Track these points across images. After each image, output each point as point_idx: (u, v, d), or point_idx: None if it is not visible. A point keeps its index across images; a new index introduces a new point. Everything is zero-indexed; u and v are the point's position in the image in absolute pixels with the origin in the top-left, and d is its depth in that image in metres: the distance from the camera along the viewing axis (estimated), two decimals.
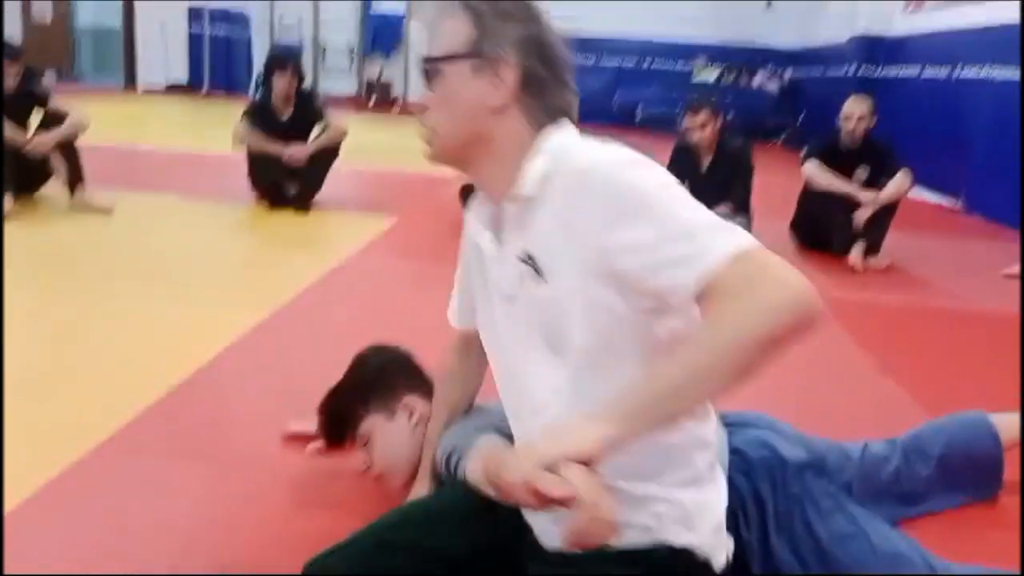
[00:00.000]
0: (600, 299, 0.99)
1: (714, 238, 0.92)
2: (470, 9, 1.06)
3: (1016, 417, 1.76)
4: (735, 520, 1.31)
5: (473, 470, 1.30)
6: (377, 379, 1.55)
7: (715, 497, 1.11)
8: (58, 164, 4.06)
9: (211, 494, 1.65)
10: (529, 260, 1.03)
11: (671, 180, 0.98)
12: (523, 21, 1.05)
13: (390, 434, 1.53)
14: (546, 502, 0.84)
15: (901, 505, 1.63)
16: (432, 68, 1.07)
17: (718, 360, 0.88)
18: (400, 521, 1.22)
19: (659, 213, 0.94)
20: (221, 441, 1.87)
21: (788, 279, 0.89)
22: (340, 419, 1.57)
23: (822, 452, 1.54)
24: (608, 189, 0.96)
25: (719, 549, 1.09)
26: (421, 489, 1.49)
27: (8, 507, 1.51)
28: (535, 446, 0.88)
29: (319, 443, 1.79)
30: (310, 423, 1.77)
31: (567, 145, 1.04)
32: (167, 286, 3.06)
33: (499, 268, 1.10)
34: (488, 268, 1.14)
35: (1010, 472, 1.76)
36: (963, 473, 1.69)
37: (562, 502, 0.83)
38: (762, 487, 1.39)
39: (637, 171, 0.98)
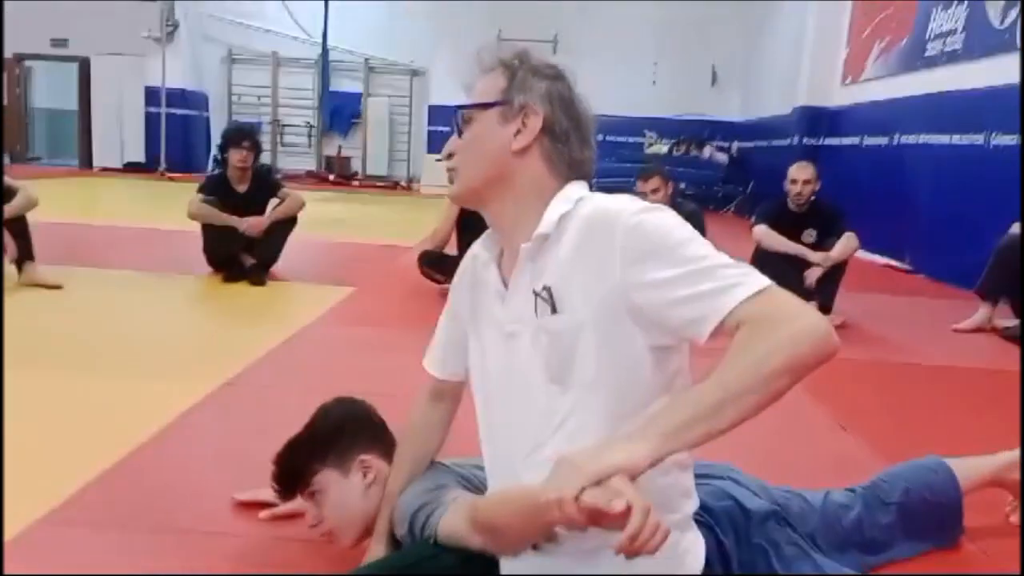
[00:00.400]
0: (615, 335, 1.07)
1: (736, 275, 1.01)
2: (506, 65, 1.18)
3: (974, 460, 1.78)
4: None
5: (450, 524, 1.27)
6: (335, 435, 1.52)
7: (699, 543, 1.21)
8: (7, 240, 3.98)
9: (156, 566, 1.57)
10: (545, 292, 1.11)
11: (686, 224, 1.07)
12: (552, 79, 1.17)
13: (344, 492, 1.49)
14: (599, 521, 0.88)
15: (865, 554, 1.61)
16: (464, 116, 1.18)
17: (749, 385, 0.95)
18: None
19: (681, 253, 1.03)
20: (168, 512, 1.79)
21: (807, 313, 1.00)
22: (294, 471, 1.52)
23: (785, 501, 1.52)
24: (632, 232, 1.05)
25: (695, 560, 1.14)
26: (378, 549, 1.43)
27: None
28: (576, 464, 0.92)
29: (272, 510, 1.73)
30: (262, 491, 1.72)
31: (590, 199, 1.14)
32: (117, 358, 2.98)
33: (504, 305, 1.18)
34: (490, 307, 1.21)
35: (970, 519, 1.77)
36: (924, 518, 1.68)
37: (618, 517, 0.86)
38: (725, 539, 1.36)
39: (657, 216, 1.06)
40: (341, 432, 1.52)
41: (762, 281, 1.01)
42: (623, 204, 1.09)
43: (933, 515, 1.70)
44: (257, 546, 1.64)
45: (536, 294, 1.11)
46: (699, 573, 1.14)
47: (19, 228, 4.05)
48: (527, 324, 1.13)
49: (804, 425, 2.58)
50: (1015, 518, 1.85)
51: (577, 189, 1.17)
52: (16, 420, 2.32)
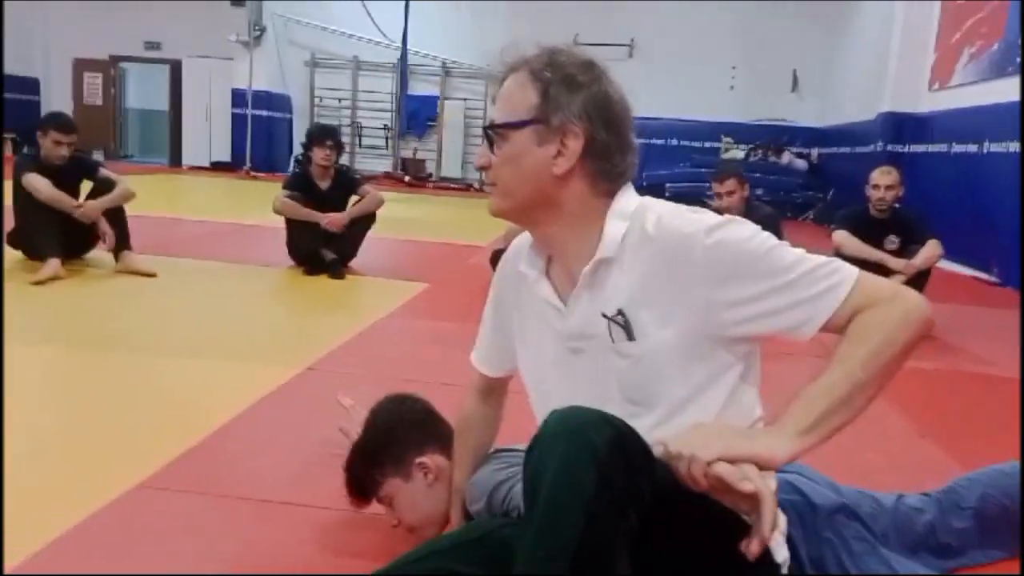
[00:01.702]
0: (704, 354, 1.07)
1: (828, 274, 1.03)
2: (538, 78, 1.10)
3: None
4: None
5: None
6: (386, 443, 1.55)
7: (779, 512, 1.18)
8: (106, 229, 4.22)
9: (240, 537, 1.66)
10: (620, 316, 1.08)
11: (761, 231, 1.06)
12: (589, 87, 1.09)
13: (410, 495, 1.54)
14: (718, 492, 0.94)
15: (936, 558, 1.59)
16: (496, 133, 1.12)
17: (872, 370, 1.00)
18: (442, 547, 1.22)
19: (768, 264, 1.03)
20: (251, 487, 1.89)
21: (905, 293, 1.04)
22: (360, 484, 1.58)
23: (854, 499, 1.52)
24: (711, 252, 1.03)
25: (780, 547, 1.14)
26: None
27: (43, 542, 1.54)
28: (722, 436, 0.97)
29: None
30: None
31: (648, 210, 1.10)
32: (207, 342, 3.13)
33: (564, 322, 1.15)
34: (547, 320, 1.18)
35: None
36: (1001, 525, 1.64)
37: (743, 499, 0.92)
38: (793, 531, 1.37)
39: (733, 230, 1.05)
40: (390, 439, 1.55)
41: (852, 272, 1.04)
42: (694, 223, 1.06)
43: (1010, 521, 1.66)
44: (336, 519, 1.71)
45: (609, 319, 1.09)
46: (787, 556, 1.14)
47: (117, 218, 4.29)
48: (595, 344, 1.12)
49: (881, 431, 2.53)
50: None
51: (628, 200, 1.13)
52: (114, 397, 2.48)
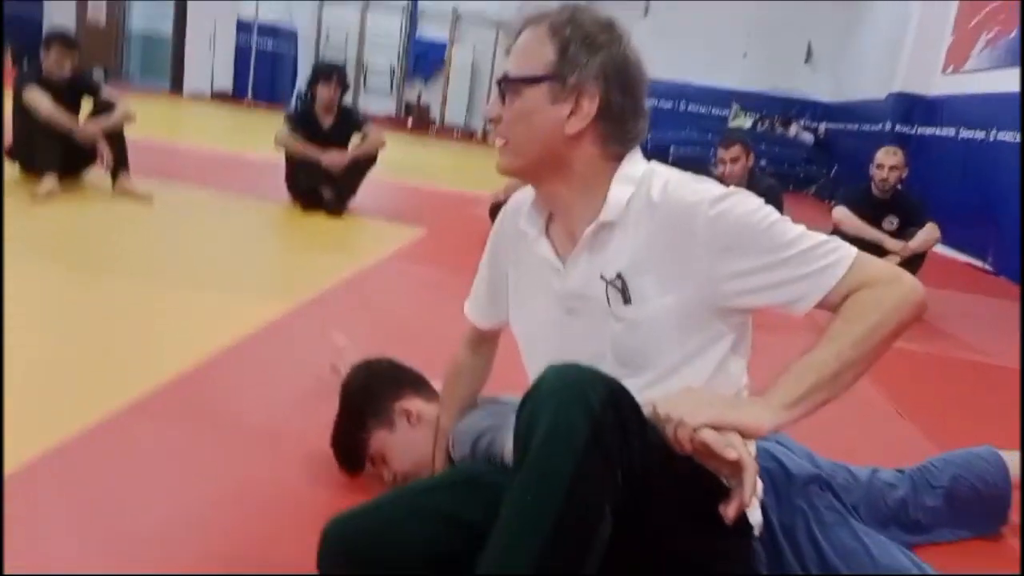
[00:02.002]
0: (701, 322, 1.09)
1: (827, 252, 1.04)
2: (557, 35, 1.08)
3: None
4: None
5: None
6: (364, 400, 1.59)
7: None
8: (104, 151, 4.19)
9: (229, 463, 1.69)
10: (618, 280, 1.09)
11: (765, 204, 1.07)
12: (608, 49, 1.08)
13: (398, 443, 1.57)
14: (703, 457, 0.97)
15: (905, 533, 1.63)
16: (510, 86, 1.10)
17: (861, 350, 1.02)
18: (431, 486, 1.24)
19: (769, 238, 1.04)
20: (241, 415, 1.91)
21: (901, 276, 1.05)
22: (348, 451, 1.61)
23: (830, 470, 1.55)
24: (714, 224, 1.04)
25: (755, 511, 1.18)
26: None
27: (31, 459, 1.56)
28: (710, 403, 0.99)
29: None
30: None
31: (654, 176, 1.10)
32: (200, 273, 3.14)
33: (562, 282, 1.16)
34: (544, 278, 1.19)
35: (1017, 514, 1.76)
36: (970, 506, 1.69)
37: (725, 465, 0.95)
38: (767, 498, 1.40)
39: (737, 202, 1.05)
40: (367, 394, 1.59)
41: (851, 252, 1.06)
42: (699, 193, 1.06)
43: (980, 503, 1.70)
44: (326, 452, 1.73)
45: (607, 281, 1.10)
46: (760, 520, 1.18)
47: (116, 139, 4.25)
48: (591, 305, 1.13)
49: (862, 408, 2.57)
50: None
51: (635, 164, 1.13)
52: (106, 321, 2.49)
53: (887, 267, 1.07)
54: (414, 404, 1.58)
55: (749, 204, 1.06)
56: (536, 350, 1.25)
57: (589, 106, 1.08)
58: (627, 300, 1.09)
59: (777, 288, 1.05)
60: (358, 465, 1.62)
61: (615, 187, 1.10)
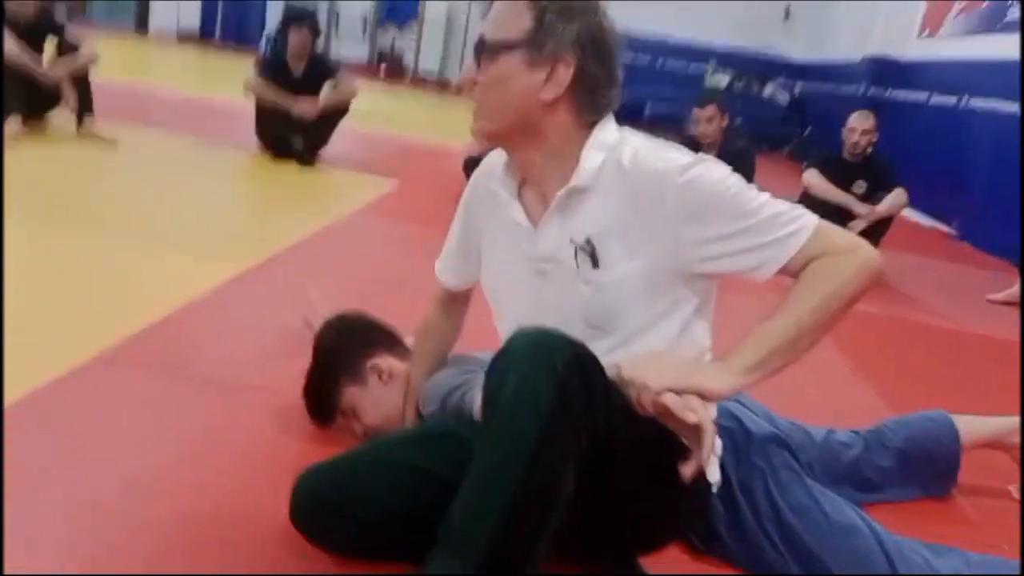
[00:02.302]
0: (667, 286, 1.12)
1: (790, 220, 1.07)
2: (534, 2, 1.10)
3: (978, 419, 1.84)
4: None
5: None
6: (336, 355, 1.61)
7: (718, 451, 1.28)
8: (68, 92, 4.08)
9: (198, 416, 1.69)
10: (587, 244, 1.12)
11: (732, 173, 1.09)
12: (584, 17, 1.10)
13: (369, 399, 1.59)
14: (667, 418, 1.01)
15: (857, 491, 1.69)
16: (487, 51, 1.11)
17: (819, 317, 1.06)
18: (401, 440, 1.27)
19: (735, 206, 1.07)
20: (210, 368, 1.91)
21: (859, 245, 1.09)
22: (320, 404, 1.63)
23: (787, 430, 1.60)
24: (682, 192, 1.06)
25: (713, 469, 1.23)
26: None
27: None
28: (673, 367, 1.03)
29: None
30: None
31: (625, 143, 1.12)
32: (168, 224, 3.10)
33: (532, 245, 1.18)
34: (515, 240, 1.21)
35: (965, 475, 1.84)
36: (921, 467, 1.76)
37: (685, 427, 1.00)
38: (726, 456, 1.45)
39: (705, 170, 1.08)
40: (339, 351, 1.62)
41: (813, 220, 1.09)
42: (668, 161, 1.08)
43: (930, 464, 1.77)
44: (295, 404, 1.75)
45: (577, 245, 1.13)
46: (718, 478, 1.23)
47: (80, 81, 4.15)
48: (561, 268, 1.15)
49: (821, 370, 2.64)
50: (1017, 494, 1.91)
51: (608, 131, 1.15)
52: (70, 275, 2.45)
53: (847, 236, 1.10)
54: (386, 361, 1.60)
55: (716, 173, 1.08)
56: (507, 311, 1.28)
57: (564, 73, 1.09)
58: (596, 264, 1.12)
59: (740, 255, 1.08)
60: (329, 417, 1.65)
61: (587, 153, 1.12)
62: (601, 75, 1.11)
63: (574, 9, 1.09)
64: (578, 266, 1.13)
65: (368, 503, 1.17)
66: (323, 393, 1.62)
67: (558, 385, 0.94)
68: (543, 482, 0.95)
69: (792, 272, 1.08)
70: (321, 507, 1.19)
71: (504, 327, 1.28)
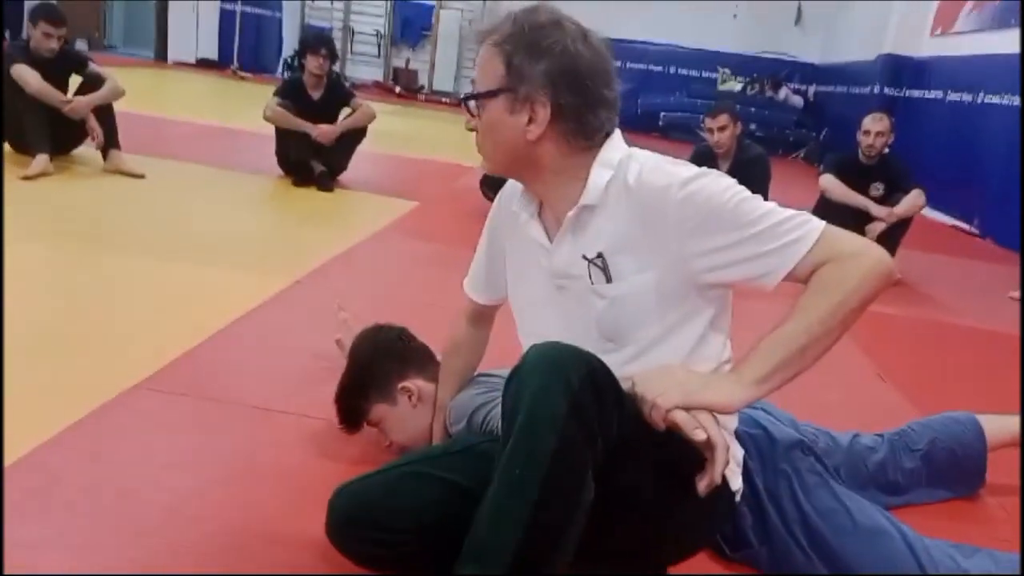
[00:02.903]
0: (678, 297, 1.15)
1: (794, 227, 1.09)
2: (500, 49, 1.14)
3: (1004, 419, 1.84)
4: None
5: None
6: (368, 373, 1.65)
7: (739, 458, 1.29)
8: (94, 126, 4.17)
9: (236, 440, 1.74)
10: (599, 260, 1.16)
11: (733, 183, 1.11)
12: (552, 54, 1.12)
13: (397, 418, 1.65)
14: (683, 435, 1.03)
15: (884, 494, 1.70)
16: (474, 102, 1.18)
17: (829, 323, 1.06)
18: (429, 455, 1.31)
19: (736, 217, 1.09)
20: (246, 394, 1.96)
21: (868, 249, 1.09)
22: (349, 414, 1.68)
23: (812, 435, 1.62)
24: (683, 206, 1.09)
25: (736, 478, 1.25)
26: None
27: (42, 438, 1.61)
28: (683, 384, 1.05)
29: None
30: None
31: (632, 160, 1.16)
32: (196, 248, 3.17)
33: (549, 259, 1.23)
34: (535, 257, 1.26)
35: (993, 475, 1.84)
36: (947, 468, 1.77)
37: (696, 443, 1.02)
38: (752, 463, 1.47)
39: (705, 183, 1.10)
40: (373, 368, 1.66)
41: (818, 226, 1.10)
42: (669, 176, 1.11)
43: (957, 465, 1.78)
44: (328, 429, 1.79)
45: (589, 261, 1.17)
46: (740, 486, 1.25)
47: (106, 115, 4.24)
48: (576, 283, 1.20)
49: (844, 373, 2.65)
50: None
51: (614, 150, 1.18)
52: (105, 301, 2.52)
53: (855, 240, 1.11)
54: (416, 384, 1.64)
55: (717, 185, 1.11)
56: (531, 324, 1.33)
57: (543, 113, 1.13)
58: (608, 279, 1.16)
59: (745, 263, 1.10)
60: (356, 427, 1.70)
61: (595, 172, 1.16)
62: (582, 103, 1.14)
63: (540, 46, 1.12)
64: (592, 281, 1.17)
65: (400, 516, 1.21)
66: (353, 404, 1.67)
67: (572, 398, 0.98)
68: (562, 493, 0.98)
69: (800, 278, 1.10)
70: (356, 523, 1.23)
71: (528, 340, 1.30)
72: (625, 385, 1.08)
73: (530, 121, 1.14)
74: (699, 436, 1.02)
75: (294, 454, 1.71)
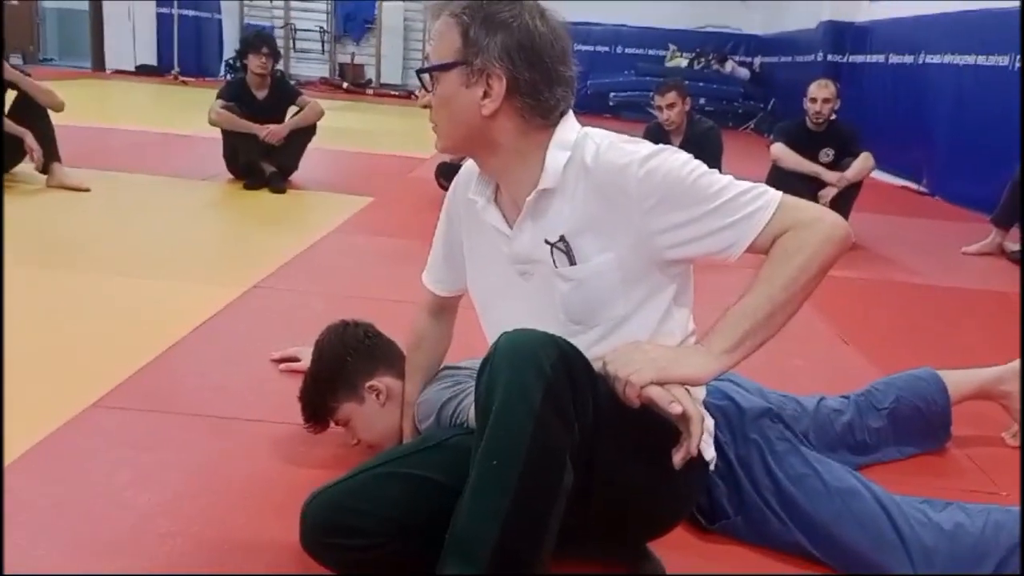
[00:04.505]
0: (642, 274, 1.14)
1: (753, 199, 1.10)
2: (458, 20, 1.12)
3: (964, 373, 1.88)
4: None
5: None
6: (336, 371, 1.61)
7: (711, 428, 1.29)
8: (33, 145, 4.04)
9: (199, 453, 1.70)
10: (562, 243, 1.15)
11: (692, 159, 1.12)
12: (509, 27, 1.10)
13: (365, 416, 1.61)
14: (656, 407, 1.04)
15: (853, 455, 1.73)
16: (429, 75, 1.15)
17: (791, 291, 1.08)
18: (400, 454, 1.28)
19: (696, 191, 1.09)
20: (206, 405, 1.92)
21: (824, 216, 1.11)
22: (315, 411, 1.65)
23: (780, 403, 1.63)
24: (644, 182, 1.09)
25: (709, 448, 1.25)
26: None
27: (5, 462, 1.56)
28: (655, 360, 1.05)
29: (288, 364, 2.07)
30: (291, 349, 2.05)
31: (588, 139, 1.15)
32: (149, 261, 3.09)
33: (510, 245, 1.21)
34: (495, 244, 1.24)
35: (958, 427, 1.88)
36: (913, 425, 1.80)
37: (671, 417, 1.03)
38: (722, 435, 1.48)
39: (664, 159, 1.10)
40: (341, 366, 1.61)
41: (776, 196, 1.11)
42: (628, 155, 1.11)
43: (922, 421, 1.81)
44: (292, 434, 1.77)
45: (552, 244, 1.16)
46: (713, 456, 1.26)
47: (45, 129, 4.11)
48: (539, 268, 1.18)
49: (808, 338, 2.68)
50: (1012, 441, 1.95)
51: (568, 130, 1.16)
52: (59, 317, 2.45)
53: (811, 208, 1.13)
54: (385, 382, 1.61)
55: (676, 160, 1.11)
56: (494, 313, 1.31)
57: (499, 86, 1.11)
58: (572, 261, 1.15)
59: (708, 237, 1.11)
60: (323, 426, 1.67)
61: (551, 154, 1.15)
62: (539, 79, 1.12)
63: (497, 18, 1.10)
64: (555, 264, 1.16)
65: (375, 519, 1.18)
66: (319, 404, 1.63)
67: (546, 385, 0.97)
68: (542, 481, 0.97)
69: (761, 248, 1.11)
70: (331, 530, 1.20)
71: (491, 329, 1.30)
72: (596, 366, 1.07)
73: (485, 95, 1.12)
74: (675, 409, 1.02)
75: (261, 462, 1.68)
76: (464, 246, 1.36)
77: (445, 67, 1.13)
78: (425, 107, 1.23)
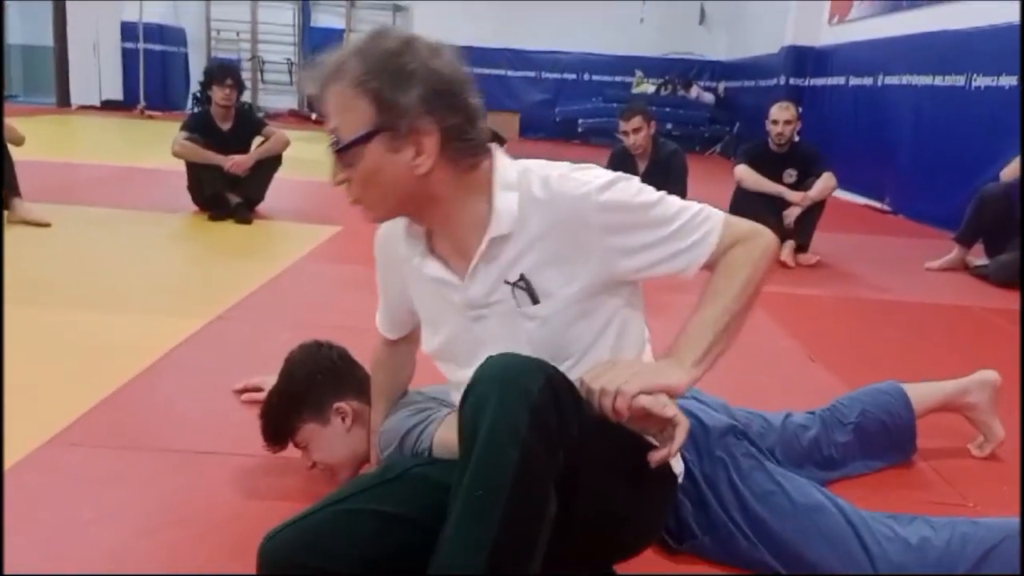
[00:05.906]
0: (604, 301, 1.16)
1: (702, 221, 1.15)
2: (363, 88, 1.04)
3: (928, 386, 1.89)
4: None
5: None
6: (304, 390, 1.59)
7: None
8: None
9: (162, 489, 1.66)
10: (523, 282, 1.13)
11: (645, 187, 1.14)
12: (419, 77, 1.03)
13: (327, 438, 1.58)
14: (640, 420, 1.07)
15: (820, 470, 1.73)
16: (346, 153, 1.08)
17: (743, 301, 1.14)
18: (356, 490, 1.23)
19: (653, 217, 1.12)
20: (168, 439, 1.88)
21: (760, 229, 1.19)
22: (277, 430, 1.61)
23: (745, 420, 1.63)
24: (603, 210, 1.10)
25: (677, 461, 1.28)
26: None
27: None
28: (638, 373, 1.07)
29: (250, 394, 2.04)
30: (254, 379, 2.04)
31: (530, 173, 1.13)
32: (112, 294, 3.04)
33: (462, 295, 1.17)
34: (442, 294, 1.20)
35: (923, 440, 1.89)
36: (879, 439, 1.80)
37: (662, 422, 1.06)
38: (688, 454, 1.47)
39: (620, 187, 1.12)
40: (309, 386, 1.59)
41: (719, 215, 1.17)
42: (583, 184, 1.10)
43: (888, 435, 1.82)
44: (257, 465, 1.73)
45: (512, 284, 1.14)
46: (682, 469, 1.29)
47: (5, 164, 4.05)
48: (499, 308, 1.16)
49: (774, 356, 2.69)
50: (978, 452, 1.97)
51: (508, 168, 1.13)
52: (18, 353, 2.39)
53: (744, 223, 1.18)
54: (352, 405, 1.59)
55: (631, 187, 1.13)
56: (450, 359, 1.27)
57: (430, 141, 1.06)
58: (534, 299, 1.14)
59: (668, 260, 1.15)
60: (282, 445, 1.63)
61: (499, 197, 1.11)
62: (462, 120, 1.07)
63: (405, 72, 1.03)
64: (518, 304, 1.15)
65: (338, 557, 1.15)
66: (282, 421, 1.60)
67: (532, 409, 0.96)
68: (529, 508, 0.96)
69: (711, 265, 1.16)
70: (290, 567, 1.16)
71: (448, 369, 1.29)
72: (576, 387, 1.08)
73: (417, 154, 1.06)
74: (669, 412, 1.05)
75: (223, 496, 1.64)
76: (410, 295, 1.33)
77: (366, 138, 1.05)
78: (339, 183, 1.12)
